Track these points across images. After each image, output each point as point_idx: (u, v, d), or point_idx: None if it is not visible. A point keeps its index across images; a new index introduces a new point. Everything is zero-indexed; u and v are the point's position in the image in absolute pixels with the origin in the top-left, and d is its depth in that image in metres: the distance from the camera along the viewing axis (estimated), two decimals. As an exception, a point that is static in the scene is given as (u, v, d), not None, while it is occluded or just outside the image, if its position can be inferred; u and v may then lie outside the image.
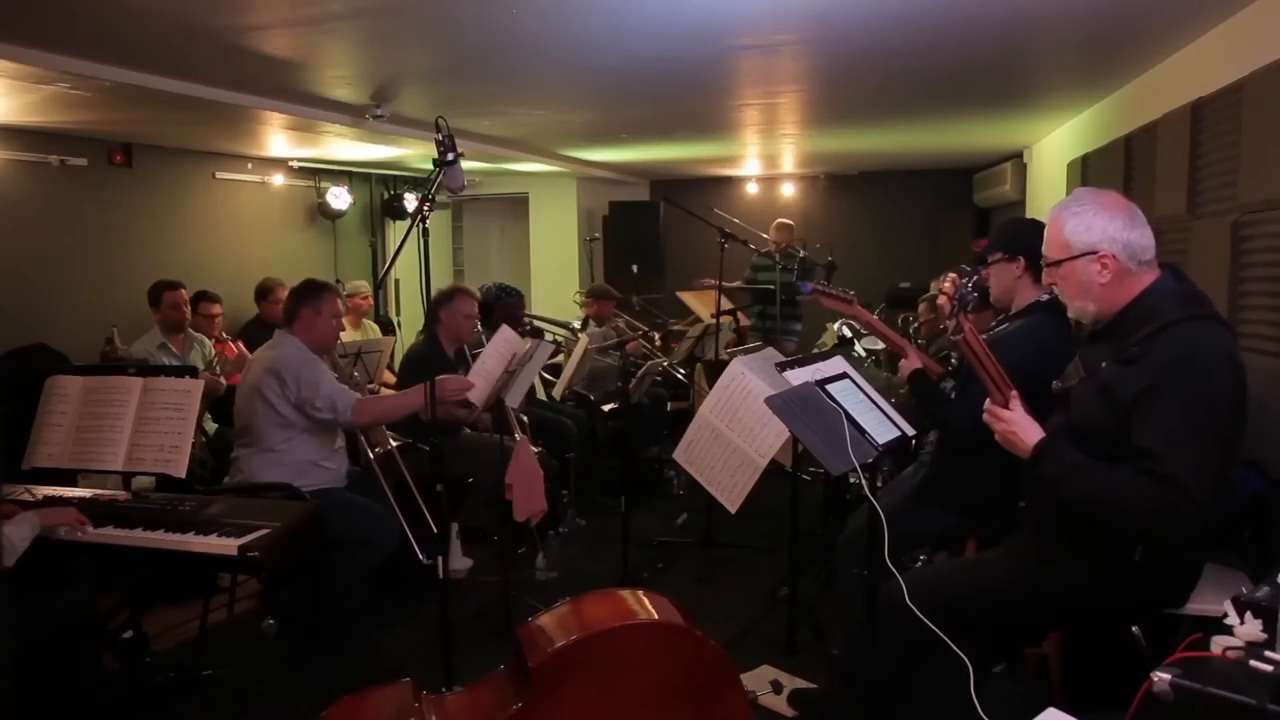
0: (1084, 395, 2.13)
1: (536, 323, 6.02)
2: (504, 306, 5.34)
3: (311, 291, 3.57)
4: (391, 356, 5.54)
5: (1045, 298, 2.76)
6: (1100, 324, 2.16)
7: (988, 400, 2.14)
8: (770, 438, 3.15)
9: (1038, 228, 2.93)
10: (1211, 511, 1.89)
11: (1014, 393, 2.09)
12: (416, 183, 8.45)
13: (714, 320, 5.55)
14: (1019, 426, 2.07)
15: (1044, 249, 2.19)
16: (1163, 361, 1.94)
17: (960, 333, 2.05)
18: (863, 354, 5.83)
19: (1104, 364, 2.08)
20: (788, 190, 9.32)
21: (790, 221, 7.16)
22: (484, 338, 4.81)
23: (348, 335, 5.35)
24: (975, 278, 2.03)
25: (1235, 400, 1.97)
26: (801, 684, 3.08)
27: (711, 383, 4.00)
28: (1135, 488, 1.91)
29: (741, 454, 3.20)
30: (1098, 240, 2.07)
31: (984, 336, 2.76)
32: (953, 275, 2.10)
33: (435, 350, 4.34)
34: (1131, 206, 2.11)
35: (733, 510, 3.30)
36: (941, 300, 2.11)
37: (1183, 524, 1.89)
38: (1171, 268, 2.13)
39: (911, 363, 2.99)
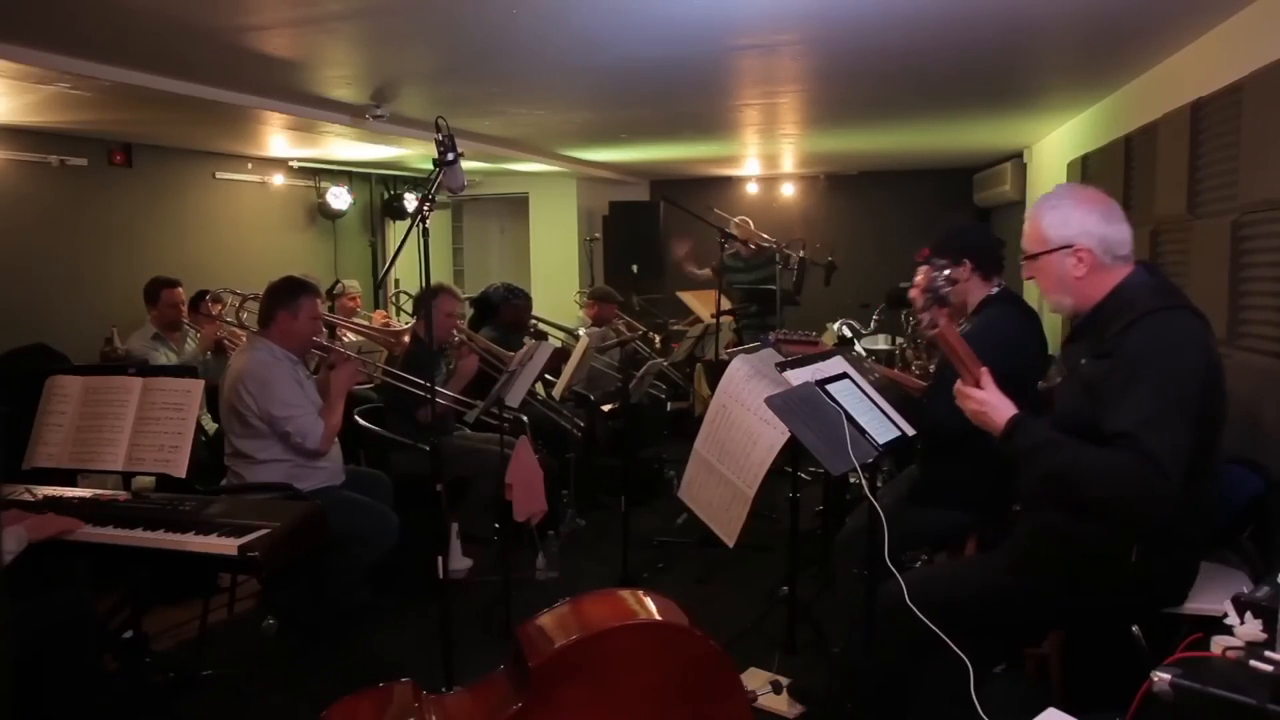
0: (1067, 393, 2.15)
1: (541, 326, 6.01)
2: (511, 308, 5.32)
3: (288, 293, 3.48)
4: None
5: (995, 291, 2.81)
6: (1078, 320, 2.17)
7: (958, 382, 2.12)
8: (754, 467, 3.07)
9: (976, 227, 2.97)
10: (1177, 496, 1.86)
11: (985, 369, 2.08)
12: (416, 183, 8.45)
13: (714, 320, 5.55)
14: (990, 404, 2.05)
15: (1023, 243, 2.21)
16: (1135, 349, 1.95)
17: (935, 327, 2.04)
18: (862, 353, 5.82)
19: (1083, 361, 2.09)
20: (788, 190, 9.31)
21: (747, 219, 6.85)
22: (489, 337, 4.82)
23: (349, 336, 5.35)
24: (944, 266, 2.05)
25: (1206, 384, 1.96)
26: (800, 685, 3.08)
27: (711, 383, 3.98)
28: (1112, 463, 1.89)
29: (732, 487, 3.15)
30: (1074, 234, 2.07)
31: None
32: (923, 268, 2.09)
33: (420, 346, 4.32)
34: (1110, 201, 2.12)
35: (730, 545, 3.20)
36: (914, 294, 2.10)
37: (1156, 502, 1.87)
38: (1145, 263, 2.15)
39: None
